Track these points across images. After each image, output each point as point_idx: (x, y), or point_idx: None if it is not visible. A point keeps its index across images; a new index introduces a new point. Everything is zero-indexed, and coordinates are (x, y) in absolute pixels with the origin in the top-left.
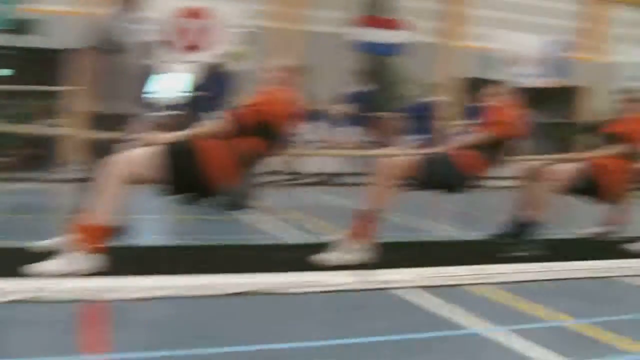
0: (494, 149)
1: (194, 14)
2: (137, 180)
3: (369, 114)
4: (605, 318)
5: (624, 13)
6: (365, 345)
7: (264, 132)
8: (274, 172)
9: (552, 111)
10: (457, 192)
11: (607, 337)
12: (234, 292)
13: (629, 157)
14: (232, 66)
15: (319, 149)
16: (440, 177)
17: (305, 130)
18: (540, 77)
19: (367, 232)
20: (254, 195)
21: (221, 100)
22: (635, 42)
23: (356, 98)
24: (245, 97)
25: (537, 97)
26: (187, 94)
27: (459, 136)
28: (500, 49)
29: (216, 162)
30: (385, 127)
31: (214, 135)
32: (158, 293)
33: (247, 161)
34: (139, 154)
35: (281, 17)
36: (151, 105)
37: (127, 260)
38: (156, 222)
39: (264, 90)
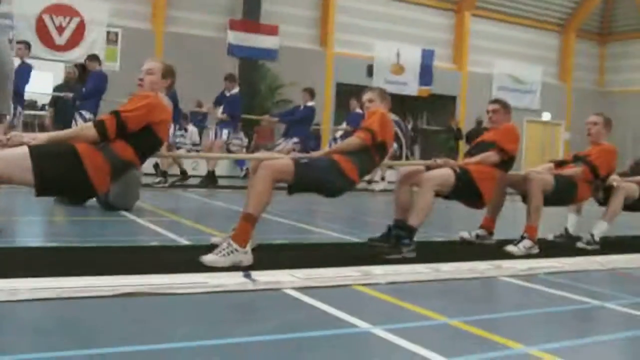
0: (366, 155)
1: (59, 11)
2: (5, 181)
3: (243, 118)
4: (484, 316)
5: (497, 27)
6: (250, 344)
7: (143, 136)
8: (155, 174)
9: (431, 119)
10: (333, 196)
11: (484, 334)
12: (118, 293)
13: (499, 164)
14: (98, 66)
15: (196, 153)
16: (316, 180)
17: (182, 134)
18: (417, 85)
19: (249, 233)
20: (134, 197)
21: (91, 100)
22: (506, 55)
23: (229, 101)
24: (116, 98)
25: (415, 105)
26: (54, 94)
27: (336, 141)
28: (379, 57)
29: (90, 164)
30: (261, 131)
31: (89, 138)
32: (42, 295)
33: (123, 164)
34: (6, 155)
35: (148, 18)
36: (17, 105)
37: (9, 262)
38: (39, 224)
39: (142, 94)
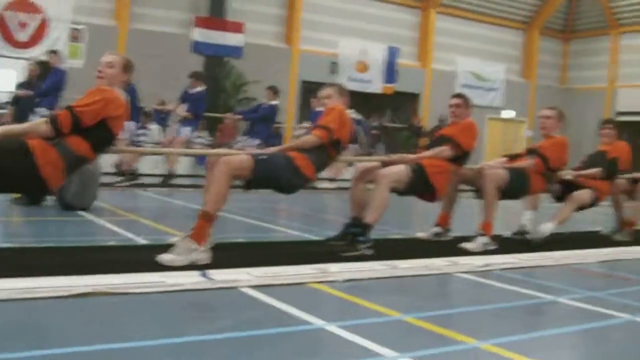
0: (322, 152)
1: (22, 8)
2: None
3: (206, 115)
4: (438, 312)
5: (461, 25)
6: (205, 342)
7: (98, 131)
8: (114, 173)
9: (394, 116)
10: (289, 192)
11: (438, 329)
12: (75, 294)
13: (453, 158)
14: (60, 63)
15: (155, 150)
16: (273, 177)
17: (144, 132)
18: (382, 83)
19: (206, 232)
20: (91, 196)
21: (49, 97)
22: (470, 52)
23: (193, 99)
24: (80, 96)
25: (379, 103)
26: (14, 91)
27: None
28: (343, 54)
29: (42, 159)
30: (224, 129)
31: (42, 133)
32: None
33: (78, 159)
34: None
35: (112, 14)
36: None
37: None
38: None
39: (97, 88)
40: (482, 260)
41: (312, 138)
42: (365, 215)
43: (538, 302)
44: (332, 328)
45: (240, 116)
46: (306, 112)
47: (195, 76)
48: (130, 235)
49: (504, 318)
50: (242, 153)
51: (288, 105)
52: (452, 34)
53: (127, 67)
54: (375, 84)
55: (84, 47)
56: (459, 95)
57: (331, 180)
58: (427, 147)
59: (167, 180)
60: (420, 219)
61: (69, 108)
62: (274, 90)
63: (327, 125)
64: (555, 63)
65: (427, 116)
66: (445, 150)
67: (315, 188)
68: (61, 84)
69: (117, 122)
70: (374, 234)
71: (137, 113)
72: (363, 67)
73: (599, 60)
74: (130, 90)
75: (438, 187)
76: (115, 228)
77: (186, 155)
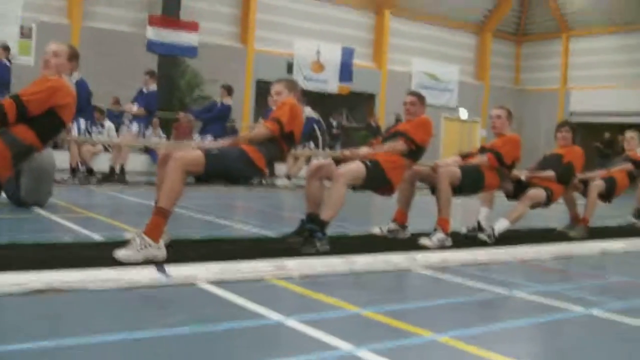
0: (273, 145)
1: None
2: None
3: (160, 114)
4: (396, 306)
5: (416, 27)
6: (162, 338)
7: (45, 119)
8: (68, 170)
9: (350, 116)
10: (240, 184)
11: (395, 323)
12: (29, 290)
13: (408, 153)
14: (3, 57)
15: (106, 140)
16: (225, 170)
17: (99, 130)
18: (337, 83)
19: (162, 228)
20: (46, 193)
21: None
22: (424, 54)
23: (147, 97)
24: (26, 86)
25: (334, 103)
26: None
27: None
28: (299, 54)
29: None
30: (179, 127)
31: None
32: None
33: (25, 148)
34: None
35: (64, 12)
36: None
37: None
38: None
39: (43, 77)
40: (439, 256)
41: (263, 130)
42: (322, 212)
43: (494, 297)
44: (290, 322)
45: (192, 115)
46: (262, 111)
47: (151, 74)
48: (85, 231)
49: (460, 312)
50: (194, 148)
51: (244, 105)
52: (406, 35)
53: (73, 55)
54: (331, 84)
55: (35, 44)
56: (413, 93)
57: (289, 178)
58: (382, 143)
59: (120, 178)
60: (378, 215)
61: (14, 97)
62: (227, 89)
63: (278, 118)
64: (508, 65)
65: (384, 116)
66: (399, 144)
67: (273, 185)
68: (5, 79)
69: (66, 110)
70: (332, 231)
71: (89, 110)
72: (319, 68)
73: (551, 63)
74: (81, 85)
75: (394, 182)
76: (70, 225)
77: (136, 146)
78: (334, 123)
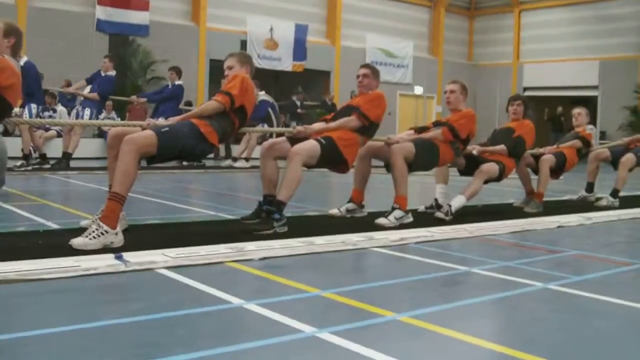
0: (225, 119)
1: None
2: None
3: (113, 98)
4: (356, 287)
5: (369, 2)
6: (121, 326)
7: None
8: (21, 157)
9: (305, 94)
10: (196, 160)
11: (356, 303)
12: None
13: (361, 129)
14: None
15: (57, 121)
16: (179, 148)
17: (50, 115)
18: (291, 61)
19: (118, 214)
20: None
21: None
22: (378, 30)
23: (103, 81)
24: None
25: (289, 81)
26: None
27: None
28: (252, 32)
29: None
30: (133, 110)
31: None
32: None
33: None
34: None
35: None
36: None
37: None
38: None
39: None
40: (398, 235)
41: (213, 103)
42: (278, 193)
43: (453, 274)
44: (251, 306)
45: (145, 98)
46: (216, 90)
47: (110, 58)
48: (40, 220)
49: (420, 290)
50: (143, 127)
51: (197, 84)
52: (360, 11)
53: (8, 32)
54: (285, 62)
55: None
56: (366, 66)
57: (247, 159)
58: (334, 118)
59: (65, 163)
60: (337, 195)
61: None
62: (176, 71)
63: (228, 91)
64: (461, 40)
65: (339, 93)
66: (352, 120)
67: (231, 167)
68: None
69: (10, 91)
70: (290, 212)
71: (40, 94)
72: (272, 45)
73: (504, 37)
74: (29, 68)
75: (349, 159)
76: (25, 213)
77: (88, 125)
78: (298, 103)
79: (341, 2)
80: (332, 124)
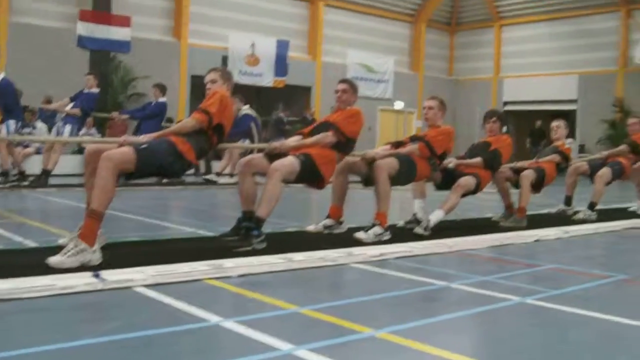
0: (202, 136)
1: None
2: None
3: (93, 114)
4: (334, 303)
5: (350, 18)
6: (97, 345)
7: None
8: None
9: (287, 109)
10: (174, 177)
11: (334, 320)
12: None
13: (338, 146)
14: None
15: (36, 138)
16: (156, 165)
17: (30, 131)
18: (273, 76)
19: (96, 231)
20: None
21: None
22: (359, 45)
23: (86, 98)
24: None
25: (270, 97)
26: None
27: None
28: (233, 48)
29: None
30: (113, 126)
31: None
32: None
33: None
34: None
35: None
36: None
37: None
38: None
39: None
40: (377, 250)
41: (190, 121)
42: (257, 209)
43: (432, 289)
44: (229, 324)
45: (127, 115)
46: (197, 106)
47: (94, 75)
48: (18, 238)
49: (398, 306)
50: (121, 144)
51: (179, 101)
52: (341, 26)
53: None
54: (266, 78)
55: None
56: (345, 81)
57: (231, 175)
58: (311, 133)
59: (43, 181)
60: (316, 211)
61: None
62: (160, 88)
63: (206, 109)
64: (442, 55)
65: (319, 109)
66: (328, 136)
67: (212, 182)
68: None
69: None
70: (269, 228)
71: (18, 110)
72: (254, 61)
73: (484, 52)
74: (6, 85)
75: (326, 176)
76: (2, 231)
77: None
78: (285, 119)
79: (322, 18)
80: (308, 140)
